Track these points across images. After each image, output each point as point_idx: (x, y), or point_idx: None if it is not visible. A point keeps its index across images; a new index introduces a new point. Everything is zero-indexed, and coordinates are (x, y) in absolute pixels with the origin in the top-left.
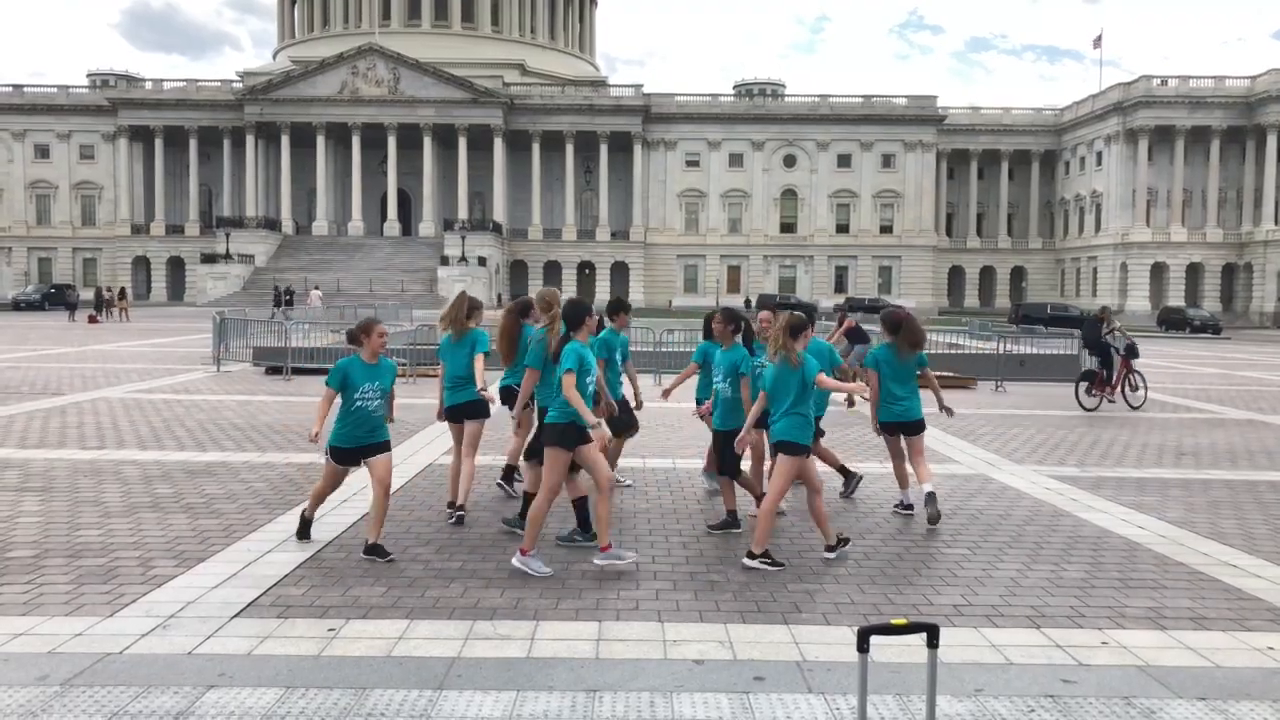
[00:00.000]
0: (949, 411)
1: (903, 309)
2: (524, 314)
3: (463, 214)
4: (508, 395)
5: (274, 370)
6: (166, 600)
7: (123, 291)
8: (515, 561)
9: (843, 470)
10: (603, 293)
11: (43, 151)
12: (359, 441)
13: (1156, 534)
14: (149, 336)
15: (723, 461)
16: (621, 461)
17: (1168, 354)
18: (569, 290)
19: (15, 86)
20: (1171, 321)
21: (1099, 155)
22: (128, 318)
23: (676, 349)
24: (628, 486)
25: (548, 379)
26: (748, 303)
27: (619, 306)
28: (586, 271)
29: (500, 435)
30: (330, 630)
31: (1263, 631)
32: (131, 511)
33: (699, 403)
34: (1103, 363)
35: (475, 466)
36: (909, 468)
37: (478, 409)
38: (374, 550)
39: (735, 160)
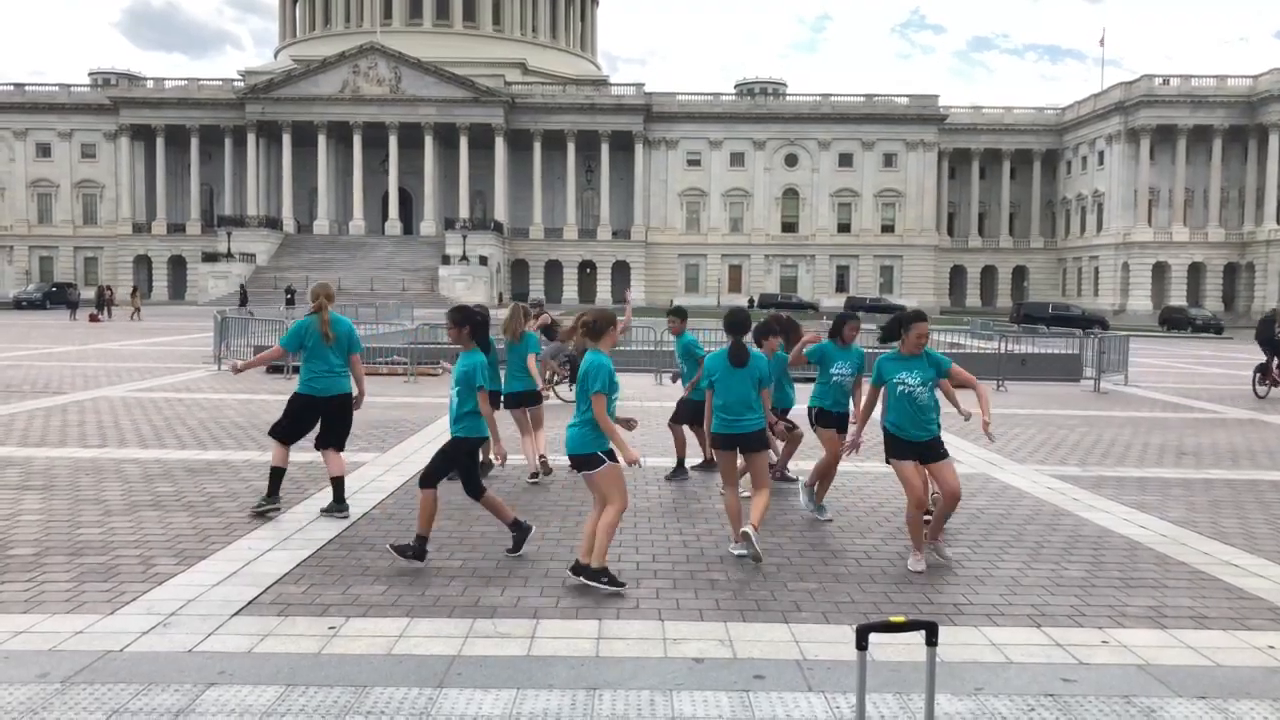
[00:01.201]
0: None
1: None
2: None
3: (464, 213)
4: None
5: (275, 369)
6: (167, 598)
7: (134, 290)
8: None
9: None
10: (604, 292)
11: (44, 150)
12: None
13: (1158, 533)
14: (150, 335)
15: (465, 477)
16: None
17: (1169, 353)
18: (570, 289)
19: (17, 85)
20: (1173, 321)
21: (1101, 155)
22: (140, 316)
23: (670, 349)
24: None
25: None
26: (750, 302)
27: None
28: (588, 271)
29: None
30: (330, 628)
31: (1263, 630)
32: (132, 510)
33: (812, 410)
34: (1273, 356)
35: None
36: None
37: (534, 397)
38: (597, 574)
39: (736, 159)
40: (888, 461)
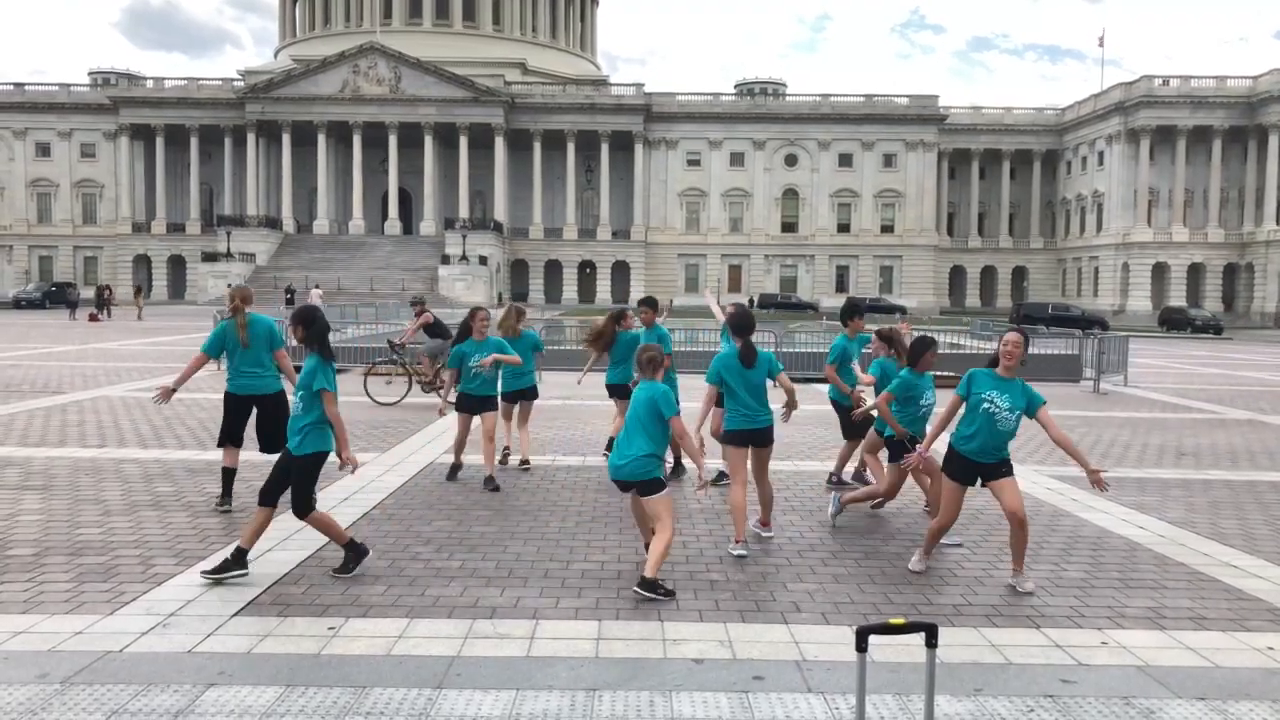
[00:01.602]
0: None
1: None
2: (619, 321)
3: (464, 213)
4: (614, 390)
5: None
6: (166, 598)
7: (138, 290)
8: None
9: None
10: (603, 292)
11: (44, 150)
12: None
13: (1157, 534)
14: (150, 335)
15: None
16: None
17: (1169, 354)
18: (569, 289)
19: (16, 85)
20: (1173, 322)
21: (1100, 155)
22: (142, 316)
23: (677, 348)
24: None
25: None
26: (750, 302)
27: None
28: (588, 271)
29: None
30: (330, 629)
31: (1262, 632)
32: (132, 510)
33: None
34: None
35: (526, 435)
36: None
37: (531, 393)
38: (653, 585)
39: (736, 159)
40: (943, 471)
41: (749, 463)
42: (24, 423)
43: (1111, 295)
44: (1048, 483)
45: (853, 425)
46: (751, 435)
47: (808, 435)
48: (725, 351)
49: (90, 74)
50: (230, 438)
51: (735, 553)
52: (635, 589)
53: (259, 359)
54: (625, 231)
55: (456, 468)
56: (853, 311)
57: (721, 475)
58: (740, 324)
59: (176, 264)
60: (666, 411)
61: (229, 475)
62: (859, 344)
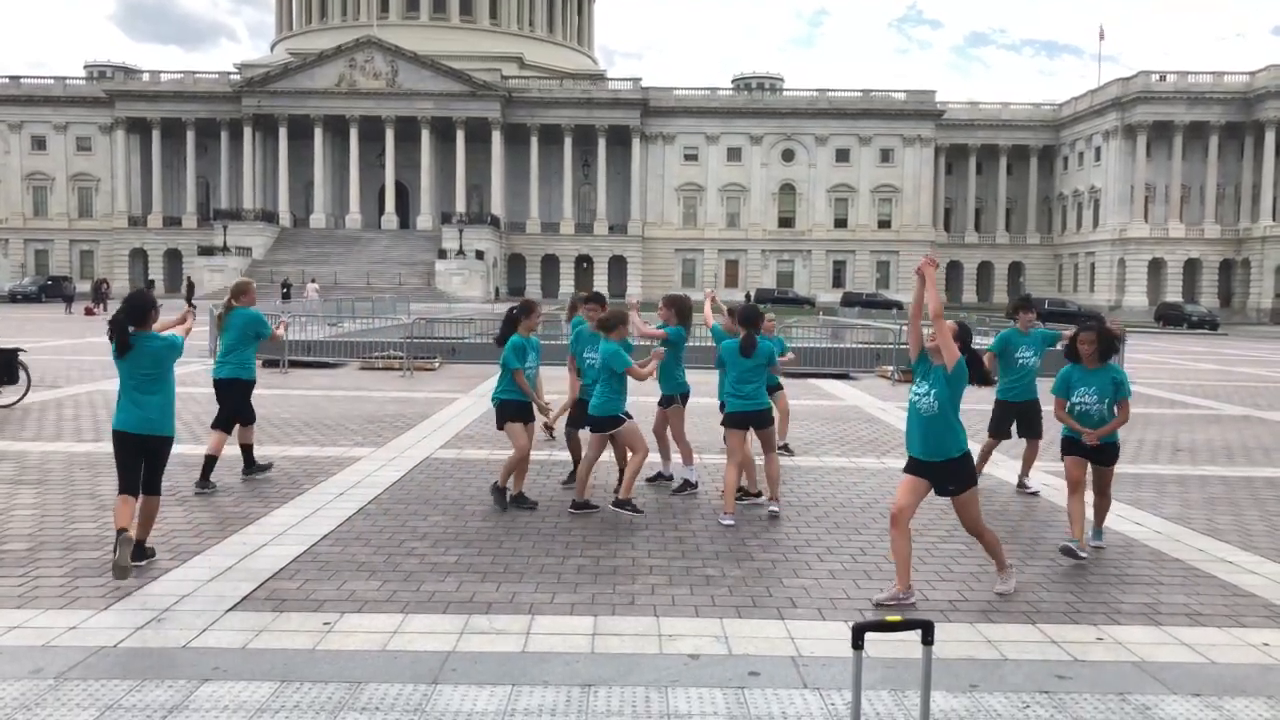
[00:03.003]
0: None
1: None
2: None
3: (460, 207)
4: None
5: (271, 363)
6: (161, 594)
7: (150, 284)
8: None
9: None
10: (600, 286)
11: (39, 143)
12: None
13: (1152, 530)
14: None
15: None
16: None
17: (1165, 350)
18: (566, 283)
19: (12, 78)
20: (1169, 317)
21: (1097, 151)
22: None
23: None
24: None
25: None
26: (748, 296)
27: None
28: (584, 265)
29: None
30: (325, 624)
31: (1258, 628)
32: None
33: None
34: None
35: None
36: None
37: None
38: (625, 504)
39: (733, 154)
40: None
41: (757, 442)
42: (19, 416)
43: (1108, 291)
44: (1043, 478)
45: (1023, 424)
46: (748, 418)
47: (807, 431)
48: (729, 341)
49: (86, 67)
50: (220, 423)
51: (725, 522)
52: (611, 506)
53: (232, 349)
54: (622, 226)
55: (503, 490)
56: (1023, 304)
57: (659, 476)
58: (747, 316)
59: (173, 258)
60: (617, 366)
61: (210, 462)
62: (1035, 340)
